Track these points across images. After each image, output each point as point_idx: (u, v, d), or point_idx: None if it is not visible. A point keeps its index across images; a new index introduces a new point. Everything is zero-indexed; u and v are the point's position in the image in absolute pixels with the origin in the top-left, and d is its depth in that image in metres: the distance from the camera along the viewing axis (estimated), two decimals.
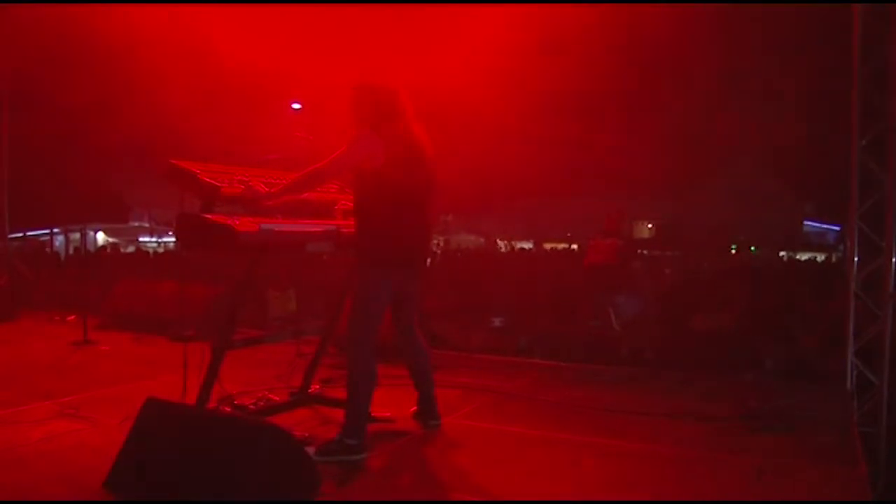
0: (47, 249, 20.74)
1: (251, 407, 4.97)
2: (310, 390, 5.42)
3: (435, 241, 14.99)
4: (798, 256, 25.55)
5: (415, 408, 4.97)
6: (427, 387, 4.90)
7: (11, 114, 11.55)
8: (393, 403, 5.07)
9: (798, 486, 3.94)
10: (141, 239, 30.22)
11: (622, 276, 8.89)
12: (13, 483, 3.83)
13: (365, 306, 4.34)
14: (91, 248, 22.65)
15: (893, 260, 6.36)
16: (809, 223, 36.68)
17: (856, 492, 3.89)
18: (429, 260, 4.86)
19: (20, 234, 19.95)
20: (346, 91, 4.53)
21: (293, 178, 4.35)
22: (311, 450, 4.06)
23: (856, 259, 6.59)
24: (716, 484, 4.03)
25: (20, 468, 4.02)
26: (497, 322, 9.14)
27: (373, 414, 4.47)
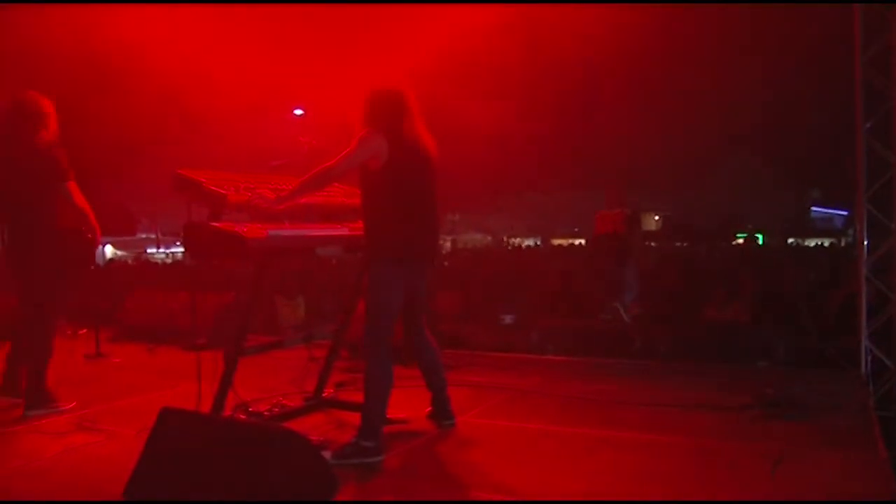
0: None
1: (266, 413, 4.98)
2: (324, 394, 5.43)
3: (442, 241, 14.99)
4: (807, 243, 25.49)
5: (429, 408, 4.98)
6: (439, 386, 4.91)
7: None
8: (407, 405, 5.07)
9: (818, 473, 3.93)
10: (149, 250, 30.27)
11: (630, 244, 8.89)
12: (34, 494, 3.86)
13: (379, 305, 4.36)
14: (100, 261, 22.70)
15: None
16: (817, 209, 36.53)
17: (877, 476, 3.87)
18: (436, 261, 4.87)
19: None
20: (351, 99, 4.57)
21: (302, 180, 4.37)
22: (327, 454, 4.07)
23: (865, 242, 6.57)
24: (736, 473, 4.02)
25: (40, 480, 4.04)
26: (507, 319, 9.12)
27: (388, 416, 4.47)
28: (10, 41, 9.52)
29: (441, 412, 4.92)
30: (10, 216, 5.39)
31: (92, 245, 5.66)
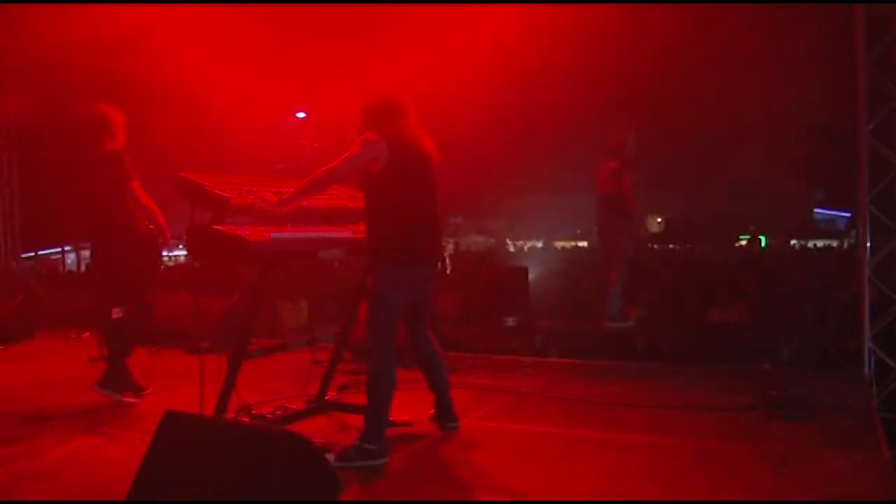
0: (59, 268, 20.80)
1: (269, 416, 4.98)
2: (327, 397, 5.43)
3: (445, 243, 14.94)
4: (810, 244, 25.41)
5: (432, 411, 4.98)
6: (442, 389, 4.91)
7: (21, 131, 11.64)
8: (411, 407, 5.07)
9: (821, 473, 3.93)
10: None
11: (625, 203, 7.74)
12: (40, 497, 3.87)
13: (381, 307, 4.37)
14: None
15: None
16: (819, 211, 36.42)
17: (880, 477, 3.87)
18: (439, 264, 4.88)
19: (32, 253, 20.02)
20: (351, 105, 4.59)
21: (304, 182, 4.40)
22: (330, 456, 4.07)
23: (868, 244, 6.56)
24: (739, 473, 4.02)
25: (46, 483, 4.05)
26: (511, 322, 9.10)
27: (391, 418, 4.47)
28: (10, 41, 9.54)
29: (444, 414, 4.92)
30: (91, 221, 5.83)
31: (161, 247, 6.18)
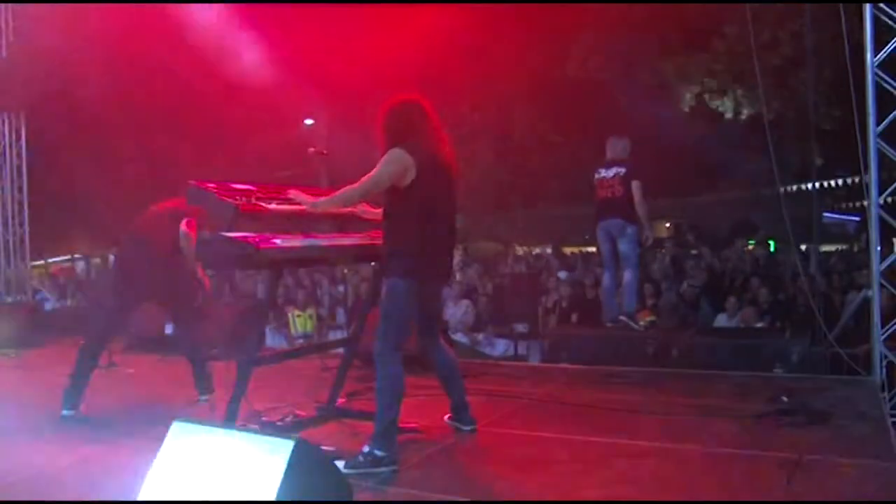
0: (70, 275, 20.89)
1: (279, 423, 4.98)
2: (337, 404, 5.43)
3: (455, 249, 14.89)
4: (820, 248, 25.32)
5: (449, 415, 4.99)
6: (458, 393, 4.93)
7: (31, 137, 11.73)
8: (421, 414, 5.07)
9: (832, 480, 3.91)
10: None
11: (631, 207, 7.70)
12: None
13: (393, 316, 4.37)
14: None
15: None
16: (828, 214, 36.27)
17: (891, 484, 3.84)
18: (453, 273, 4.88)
19: (41, 262, 20.13)
20: (373, 113, 4.57)
21: (331, 196, 4.45)
22: (340, 463, 4.07)
23: (878, 248, 6.52)
24: (750, 480, 4.00)
25: (55, 491, 4.05)
26: (520, 328, 9.09)
27: (401, 425, 4.47)
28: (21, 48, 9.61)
29: (461, 418, 4.94)
30: None
31: None
